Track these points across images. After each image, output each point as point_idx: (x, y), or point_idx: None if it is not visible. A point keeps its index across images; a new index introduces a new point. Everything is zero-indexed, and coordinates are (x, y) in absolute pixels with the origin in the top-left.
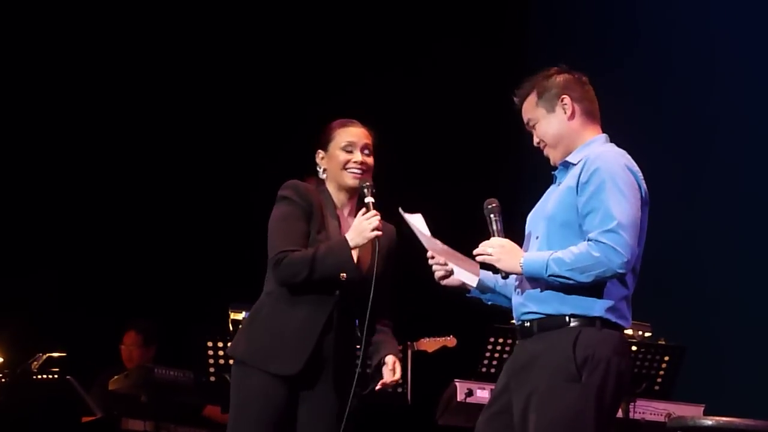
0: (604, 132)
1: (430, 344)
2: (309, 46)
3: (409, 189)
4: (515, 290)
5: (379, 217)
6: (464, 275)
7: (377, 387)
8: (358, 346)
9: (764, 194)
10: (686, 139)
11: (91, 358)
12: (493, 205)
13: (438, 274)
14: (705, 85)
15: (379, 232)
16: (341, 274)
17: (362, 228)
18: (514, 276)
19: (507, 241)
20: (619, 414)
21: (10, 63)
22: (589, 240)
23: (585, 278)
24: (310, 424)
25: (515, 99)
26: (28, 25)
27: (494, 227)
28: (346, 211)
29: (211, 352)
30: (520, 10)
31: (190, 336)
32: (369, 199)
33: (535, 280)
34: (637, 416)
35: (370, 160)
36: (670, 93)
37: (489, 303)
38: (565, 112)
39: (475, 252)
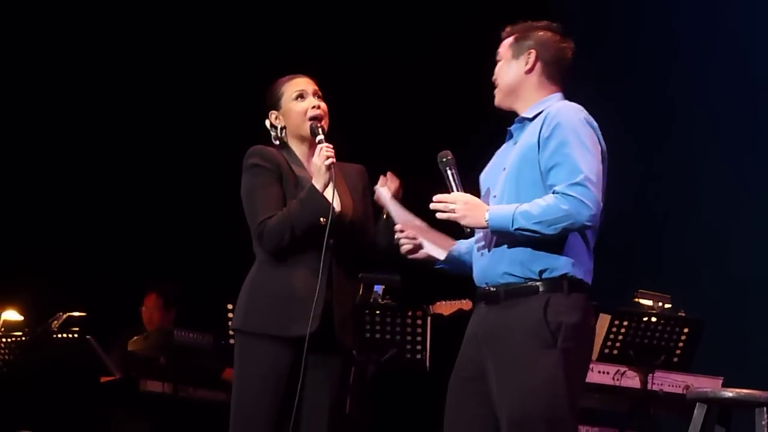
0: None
1: (446, 307)
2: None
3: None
4: (477, 252)
5: (328, 147)
6: (433, 249)
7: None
8: (377, 311)
9: None
10: (725, 118)
11: (111, 319)
12: (448, 157)
13: (405, 248)
14: (710, 73)
15: (332, 159)
16: (321, 219)
17: (318, 165)
18: (475, 239)
19: (469, 196)
20: (638, 385)
21: (34, 51)
22: (555, 193)
23: (552, 231)
24: (316, 385)
25: (502, 32)
26: (27, 24)
27: (452, 181)
28: (308, 162)
29: (230, 315)
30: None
31: (210, 299)
32: (319, 137)
33: (500, 239)
34: (656, 388)
35: (323, 104)
36: (674, 83)
37: (454, 271)
38: (526, 64)
39: (433, 206)
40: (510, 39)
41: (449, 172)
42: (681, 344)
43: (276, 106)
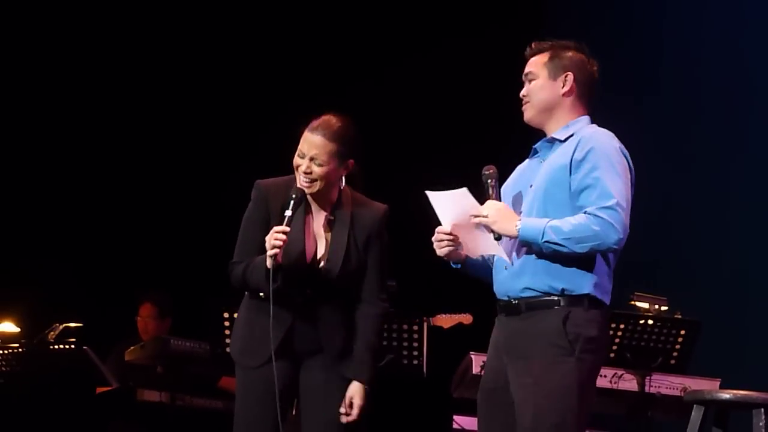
0: (625, 122)
1: (446, 320)
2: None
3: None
4: (501, 264)
5: (280, 236)
6: (468, 248)
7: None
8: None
9: None
10: (702, 118)
11: (107, 328)
12: (491, 171)
13: (444, 250)
14: (733, 72)
15: (275, 251)
16: (260, 294)
17: (267, 246)
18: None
19: (503, 204)
20: (635, 388)
21: (34, 51)
22: (586, 213)
23: (579, 249)
24: (317, 408)
25: (528, 49)
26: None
27: (490, 192)
28: (316, 205)
29: (227, 324)
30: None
31: (206, 307)
32: (287, 213)
33: (524, 254)
34: (653, 390)
35: (319, 169)
36: (694, 84)
37: (471, 274)
38: (563, 87)
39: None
40: (542, 57)
41: (489, 183)
42: (678, 346)
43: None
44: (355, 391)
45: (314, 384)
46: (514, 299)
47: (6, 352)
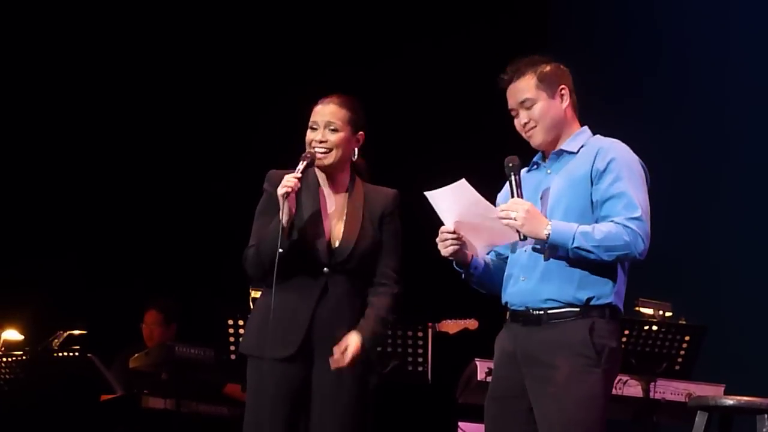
0: (629, 120)
1: (451, 326)
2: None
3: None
4: (516, 275)
5: (292, 176)
6: (473, 247)
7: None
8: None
9: None
10: (708, 125)
11: (112, 335)
12: (515, 163)
13: (449, 249)
14: (722, 79)
15: (286, 189)
16: (279, 250)
17: (278, 194)
18: (512, 261)
19: (531, 205)
20: (640, 394)
21: (41, 50)
22: (615, 222)
23: (607, 257)
24: (323, 403)
25: (504, 77)
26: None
27: (514, 188)
28: (329, 188)
29: (231, 330)
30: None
31: (211, 314)
32: (299, 167)
33: (548, 263)
34: (658, 396)
35: (333, 136)
36: (689, 88)
37: (476, 278)
38: (563, 102)
39: (498, 215)
40: (530, 80)
41: (513, 177)
42: (682, 352)
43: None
44: (351, 339)
45: (326, 383)
46: (535, 309)
47: (10, 359)
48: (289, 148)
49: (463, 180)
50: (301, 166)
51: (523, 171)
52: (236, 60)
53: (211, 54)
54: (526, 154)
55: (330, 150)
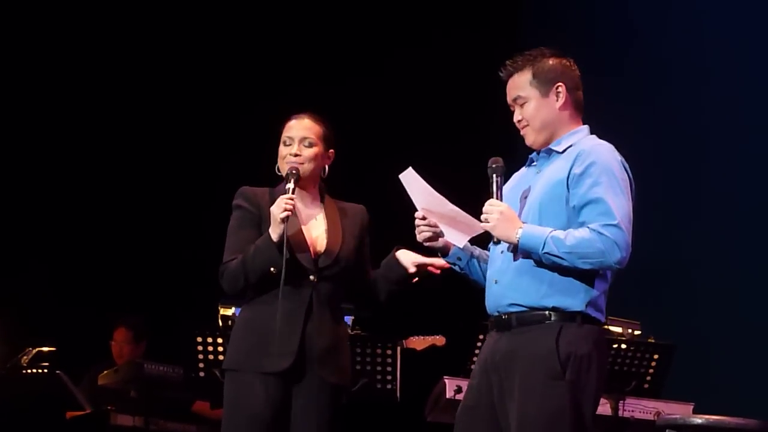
0: (597, 127)
1: (419, 342)
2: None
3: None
4: (491, 278)
5: (289, 199)
6: (454, 237)
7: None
8: (351, 332)
9: (756, 193)
10: (680, 138)
11: (80, 353)
12: (497, 164)
13: (423, 235)
14: (701, 84)
15: (287, 213)
16: (272, 269)
17: (275, 215)
18: (492, 259)
19: (506, 207)
20: (609, 412)
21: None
22: (591, 229)
23: (581, 264)
24: (303, 417)
25: (504, 71)
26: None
27: (494, 189)
28: (301, 202)
29: (200, 348)
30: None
31: (179, 331)
32: (289, 185)
33: (517, 269)
34: (627, 414)
35: (308, 151)
36: (666, 90)
37: (459, 270)
38: (558, 100)
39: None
40: (525, 76)
41: (495, 178)
42: (651, 370)
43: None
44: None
45: (305, 400)
46: (504, 314)
47: None
48: (257, 166)
49: (410, 169)
50: (291, 185)
51: (522, 168)
52: (199, 87)
53: (173, 80)
54: (509, 161)
55: (302, 163)
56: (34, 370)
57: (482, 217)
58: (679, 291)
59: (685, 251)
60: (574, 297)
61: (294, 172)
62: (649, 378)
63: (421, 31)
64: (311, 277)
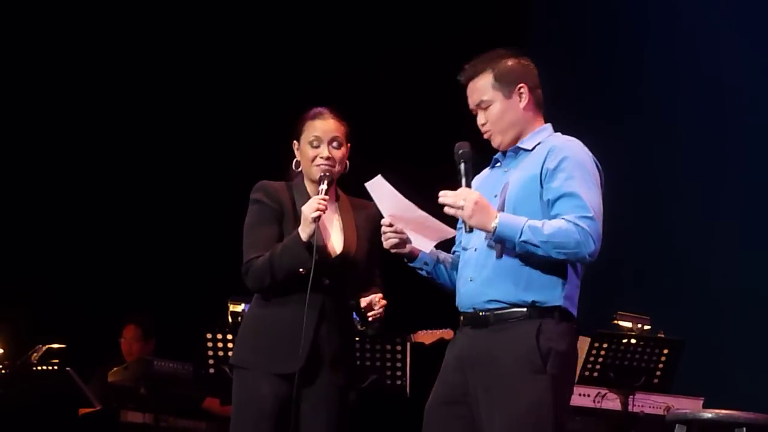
0: (615, 118)
1: (427, 336)
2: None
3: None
4: (464, 275)
5: (322, 199)
6: (419, 241)
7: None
8: (357, 338)
9: (765, 188)
10: (699, 133)
11: (90, 350)
12: (465, 149)
13: (389, 242)
14: (721, 79)
15: (319, 213)
16: (300, 270)
17: (306, 215)
18: (462, 262)
19: (479, 196)
20: (618, 407)
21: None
22: (566, 220)
23: (555, 254)
24: (312, 418)
25: (463, 75)
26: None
27: (464, 176)
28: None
29: (210, 344)
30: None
31: (189, 328)
32: (321, 187)
33: (493, 263)
34: (636, 409)
35: (338, 152)
36: (685, 84)
37: (426, 274)
38: (521, 101)
39: (441, 200)
40: (487, 78)
41: (463, 165)
42: (661, 365)
43: (297, 137)
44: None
45: (313, 400)
46: (481, 311)
47: None
48: (268, 165)
49: (379, 176)
50: (324, 186)
51: (486, 170)
52: (200, 89)
53: (173, 82)
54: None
55: (334, 167)
56: (44, 367)
57: (452, 202)
58: (689, 286)
59: (695, 246)
60: (552, 291)
61: (328, 175)
62: (658, 373)
63: (428, 30)
64: (325, 281)
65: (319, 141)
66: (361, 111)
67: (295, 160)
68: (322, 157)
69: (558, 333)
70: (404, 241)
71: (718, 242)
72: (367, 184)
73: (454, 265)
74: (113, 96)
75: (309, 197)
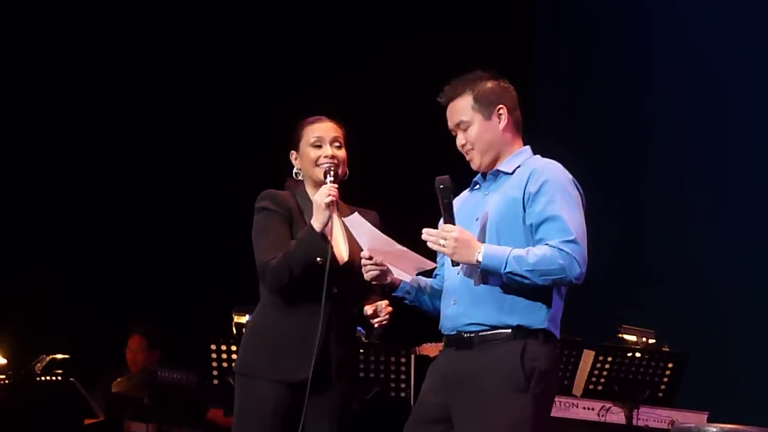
0: (620, 125)
1: (432, 349)
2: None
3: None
4: (448, 298)
5: (332, 186)
6: (401, 274)
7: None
8: (362, 350)
9: None
10: (700, 142)
11: (94, 360)
12: (446, 184)
13: (370, 274)
14: (722, 85)
15: (331, 198)
16: (317, 259)
17: (318, 203)
18: (446, 287)
19: (460, 231)
20: (623, 421)
21: (7, 62)
22: (550, 246)
23: (542, 281)
24: (316, 426)
25: (443, 96)
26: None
27: (445, 211)
28: None
29: (214, 355)
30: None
31: (193, 339)
32: (329, 179)
33: (478, 288)
34: (641, 423)
35: (340, 152)
36: (687, 89)
37: (410, 303)
38: (500, 122)
39: (424, 237)
40: (466, 100)
41: (442, 200)
42: (665, 379)
43: (296, 147)
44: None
45: (318, 410)
46: (465, 333)
47: None
48: (273, 174)
49: (356, 213)
50: (330, 178)
51: (465, 191)
52: (202, 92)
53: (173, 84)
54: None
55: (338, 165)
56: (48, 378)
57: (434, 240)
58: (694, 299)
59: (700, 259)
60: (536, 314)
61: (332, 169)
62: (663, 386)
63: (430, 29)
64: (334, 289)
65: (322, 141)
66: (359, 114)
67: (294, 171)
68: (325, 156)
69: (542, 353)
70: (384, 273)
71: (724, 255)
72: (345, 220)
73: (435, 291)
74: (120, 103)
75: (311, 204)
